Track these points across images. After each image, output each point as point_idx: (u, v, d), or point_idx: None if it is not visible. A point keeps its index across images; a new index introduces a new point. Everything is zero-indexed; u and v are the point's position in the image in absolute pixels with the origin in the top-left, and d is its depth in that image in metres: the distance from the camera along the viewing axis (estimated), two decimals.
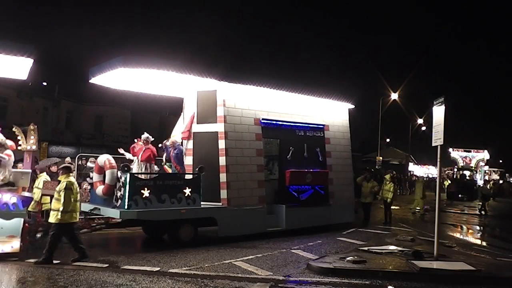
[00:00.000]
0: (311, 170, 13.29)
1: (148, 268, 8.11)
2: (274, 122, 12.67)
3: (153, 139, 11.47)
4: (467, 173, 39.54)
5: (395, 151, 51.10)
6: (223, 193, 11.22)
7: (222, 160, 11.33)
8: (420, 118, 48.30)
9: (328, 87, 14.22)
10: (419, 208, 20.61)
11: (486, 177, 54.79)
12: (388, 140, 59.72)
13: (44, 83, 33.76)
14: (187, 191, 10.49)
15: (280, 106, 12.98)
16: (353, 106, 15.06)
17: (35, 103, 34.58)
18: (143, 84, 12.08)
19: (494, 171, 61.60)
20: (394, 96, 38.73)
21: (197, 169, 11.03)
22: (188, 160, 11.94)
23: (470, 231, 17.37)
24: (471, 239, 15.34)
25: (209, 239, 10.98)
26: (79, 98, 36.05)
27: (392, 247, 10.78)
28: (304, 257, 9.62)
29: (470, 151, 48.13)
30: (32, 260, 8.22)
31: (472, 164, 46.95)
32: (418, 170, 55.39)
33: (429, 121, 10.68)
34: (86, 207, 10.64)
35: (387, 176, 16.94)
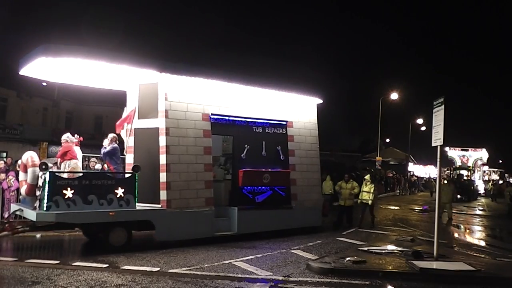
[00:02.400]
0: (270, 169, 12.33)
1: (148, 268, 8.12)
2: (227, 117, 11.70)
3: (75, 139, 10.59)
4: (464, 173, 38.89)
5: (394, 151, 51.08)
6: (163, 194, 10.36)
7: (163, 158, 10.46)
8: (419, 118, 48.35)
9: (297, 80, 13.33)
10: (446, 216, 18.47)
11: (486, 177, 54.76)
12: (388, 140, 59.78)
13: (44, 83, 33.77)
14: (120, 191, 9.66)
15: (235, 100, 11.99)
16: (321, 101, 14.07)
17: (35, 103, 34.59)
18: (82, 77, 11.13)
19: (494, 171, 61.58)
20: (394, 96, 38.72)
21: (131, 167, 10.33)
22: (129, 158, 11.18)
23: (469, 231, 17.36)
24: (471, 239, 15.33)
25: (209, 239, 10.97)
26: (79, 98, 36.07)
27: (392, 247, 10.80)
28: (304, 257, 9.62)
29: (467, 150, 47.50)
30: None
31: (470, 164, 46.29)
32: (419, 170, 55.20)
33: (429, 121, 10.60)
34: (13, 208, 10.22)
35: (367, 177, 15.56)
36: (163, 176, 10.41)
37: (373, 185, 15.07)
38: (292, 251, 10.25)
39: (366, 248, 10.43)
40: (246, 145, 11.99)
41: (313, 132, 13.94)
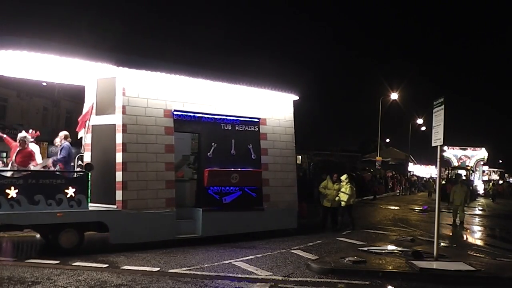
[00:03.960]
0: (239, 169, 11.70)
1: (148, 268, 8.11)
2: (192, 114, 11.12)
3: (32, 139, 10.18)
4: (462, 172, 38.48)
5: (394, 151, 51.12)
6: (118, 194, 9.84)
7: (119, 157, 9.95)
8: (419, 118, 48.36)
9: (273, 76, 12.85)
10: (458, 219, 17.73)
11: (486, 177, 54.70)
12: (388, 140, 59.83)
13: (44, 83, 33.76)
14: (70, 191, 9.16)
15: (202, 96, 11.40)
16: (297, 98, 13.36)
17: (35, 103, 34.58)
18: (36, 70, 10.50)
19: (493, 171, 61.60)
20: (393, 96, 38.78)
21: (83, 166, 9.91)
22: (87, 156, 10.66)
23: (469, 231, 17.36)
24: (471, 239, 15.34)
25: (209, 239, 10.97)
26: (79, 98, 36.03)
27: (392, 247, 10.80)
28: (304, 257, 9.62)
29: (466, 149, 47.09)
30: None
31: (471, 164, 45.95)
32: (420, 170, 55.06)
33: (429, 121, 10.54)
34: None
35: (343, 177, 14.33)
36: (119, 176, 9.91)
37: (350, 186, 14.11)
38: (292, 251, 10.25)
39: (366, 248, 10.44)
40: (213, 143, 11.39)
41: (288, 130, 13.20)
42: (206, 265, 8.51)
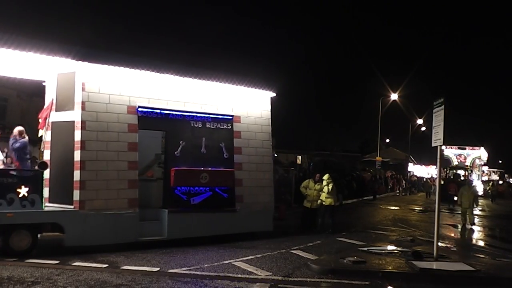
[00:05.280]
0: (210, 168, 11.19)
1: (148, 268, 8.11)
2: (158, 110, 10.66)
3: None
4: (461, 172, 38.08)
5: (394, 151, 51.14)
6: (76, 194, 9.41)
7: (77, 155, 9.51)
8: (419, 118, 48.35)
9: (249, 71, 12.34)
10: (466, 223, 16.84)
11: (485, 178, 54.61)
12: (387, 140, 59.84)
13: (44, 83, 33.77)
14: (23, 191, 8.80)
15: (170, 92, 10.93)
16: (274, 94, 12.80)
17: (35, 103, 34.58)
18: None
19: (493, 171, 61.55)
20: (393, 96, 38.80)
21: (37, 164, 9.54)
22: (46, 155, 10.26)
23: (469, 231, 17.35)
24: (470, 239, 15.33)
25: (209, 239, 10.97)
26: None
27: (391, 248, 10.80)
28: (303, 257, 9.62)
29: (465, 149, 46.64)
30: None
31: (468, 163, 45.40)
32: (421, 170, 54.88)
33: (429, 121, 10.51)
34: None
35: (325, 177, 13.63)
36: (76, 175, 9.47)
37: (332, 186, 13.44)
38: (292, 251, 10.25)
39: (366, 248, 10.44)
40: (181, 142, 10.89)
41: (265, 128, 12.58)
42: (206, 265, 8.51)
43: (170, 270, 8.06)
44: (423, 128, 48.27)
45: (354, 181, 29.49)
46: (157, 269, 8.11)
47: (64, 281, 7.09)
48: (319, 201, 13.54)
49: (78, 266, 8.14)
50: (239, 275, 7.87)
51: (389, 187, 39.61)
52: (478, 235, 16.20)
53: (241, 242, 10.99)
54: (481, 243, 14.20)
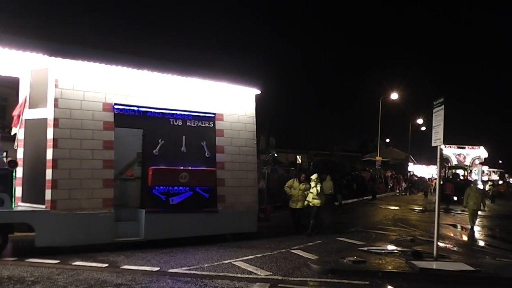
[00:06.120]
0: (190, 168, 10.87)
1: (148, 268, 8.12)
2: (136, 108, 10.36)
3: None
4: (460, 172, 37.83)
5: (394, 151, 51.12)
6: (48, 194, 9.17)
7: (49, 153, 9.27)
8: (419, 118, 48.33)
9: (234, 68, 12.06)
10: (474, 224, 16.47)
11: (485, 178, 54.48)
12: (388, 140, 59.83)
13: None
14: None
15: (149, 89, 10.64)
16: (259, 92, 12.42)
17: None
18: None
19: (493, 171, 61.49)
20: (391, 95, 38.76)
21: (7, 163, 9.31)
22: (20, 153, 10.04)
23: (468, 231, 17.35)
24: (470, 239, 15.32)
25: (209, 239, 10.97)
26: None
27: (391, 247, 10.81)
28: (303, 257, 9.62)
29: (464, 148, 46.32)
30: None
31: (467, 162, 45.11)
32: (422, 170, 54.72)
33: (429, 121, 10.50)
34: None
35: (313, 177, 13.16)
36: (49, 173, 9.23)
37: (320, 186, 12.94)
38: (292, 251, 10.25)
39: (366, 248, 10.45)
40: (160, 140, 10.60)
41: (249, 127, 12.19)
42: (206, 265, 8.51)
43: (170, 270, 8.06)
44: (423, 128, 48.25)
45: (353, 181, 29.52)
46: (157, 268, 8.12)
47: (64, 280, 7.10)
48: (305, 202, 13.04)
49: (78, 265, 8.14)
50: (239, 275, 7.87)
51: (389, 186, 39.63)
52: (478, 235, 16.21)
53: (241, 242, 10.99)
54: (481, 243, 14.20)
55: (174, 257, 9.16)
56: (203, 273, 7.93)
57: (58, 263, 8.21)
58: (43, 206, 9.22)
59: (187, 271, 8.01)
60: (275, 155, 35.49)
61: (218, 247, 10.26)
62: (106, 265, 8.29)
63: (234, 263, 8.77)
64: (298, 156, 28.99)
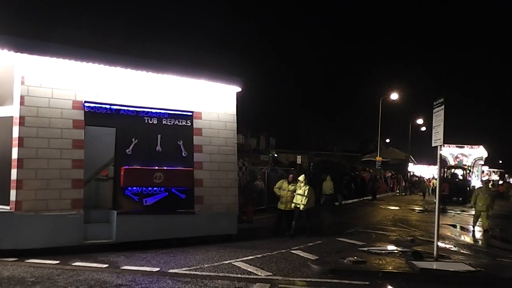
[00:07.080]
0: (165, 167, 10.55)
1: (148, 268, 8.12)
2: (107, 105, 10.02)
3: None
4: (459, 172, 37.71)
5: (394, 151, 51.12)
6: (13, 194, 8.88)
7: (15, 152, 9.00)
8: (419, 118, 48.33)
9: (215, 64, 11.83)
10: (480, 226, 16.21)
11: (486, 178, 54.44)
12: (387, 140, 59.85)
13: None
14: None
15: (122, 86, 10.30)
16: (240, 89, 12.01)
17: None
18: None
19: (493, 171, 61.42)
20: (390, 96, 38.79)
21: None
22: None
23: (467, 231, 17.36)
24: (471, 239, 15.33)
25: (208, 239, 10.97)
26: None
27: (391, 247, 10.82)
28: (303, 257, 9.62)
29: (463, 147, 46.18)
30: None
31: (469, 163, 44.95)
32: (423, 170, 54.55)
33: (429, 121, 10.52)
34: None
35: (301, 177, 12.81)
36: (13, 173, 8.95)
37: (307, 187, 12.52)
38: (292, 251, 10.25)
39: (366, 248, 10.45)
40: (133, 139, 10.26)
41: (229, 125, 11.80)
42: (206, 265, 8.52)
43: (170, 270, 8.06)
44: (423, 128, 48.24)
45: (353, 181, 29.51)
46: (157, 269, 8.12)
47: (64, 281, 7.10)
48: (293, 204, 12.64)
49: (78, 266, 8.15)
50: (239, 275, 7.87)
51: (390, 186, 39.63)
52: (478, 235, 16.20)
53: (241, 242, 10.99)
54: (481, 243, 14.20)
55: (174, 257, 9.16)
56: (203, 273, 7.93)
57: (58, 263, 8.21)
58: (8, 207, 8.94)
59: (187, 272, 8.01)
60: (275, 155, 35.48)
61: (218, 248, 10.26)
62: (106, 265, 8.29)
63: (234, 263, 8.77)
64: (298, 157, 28.91)
